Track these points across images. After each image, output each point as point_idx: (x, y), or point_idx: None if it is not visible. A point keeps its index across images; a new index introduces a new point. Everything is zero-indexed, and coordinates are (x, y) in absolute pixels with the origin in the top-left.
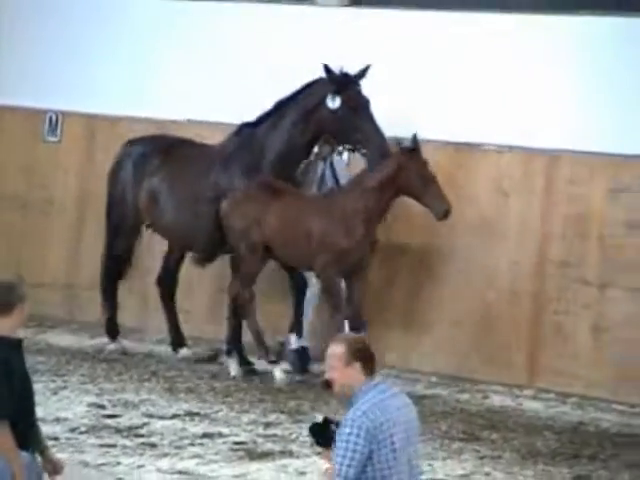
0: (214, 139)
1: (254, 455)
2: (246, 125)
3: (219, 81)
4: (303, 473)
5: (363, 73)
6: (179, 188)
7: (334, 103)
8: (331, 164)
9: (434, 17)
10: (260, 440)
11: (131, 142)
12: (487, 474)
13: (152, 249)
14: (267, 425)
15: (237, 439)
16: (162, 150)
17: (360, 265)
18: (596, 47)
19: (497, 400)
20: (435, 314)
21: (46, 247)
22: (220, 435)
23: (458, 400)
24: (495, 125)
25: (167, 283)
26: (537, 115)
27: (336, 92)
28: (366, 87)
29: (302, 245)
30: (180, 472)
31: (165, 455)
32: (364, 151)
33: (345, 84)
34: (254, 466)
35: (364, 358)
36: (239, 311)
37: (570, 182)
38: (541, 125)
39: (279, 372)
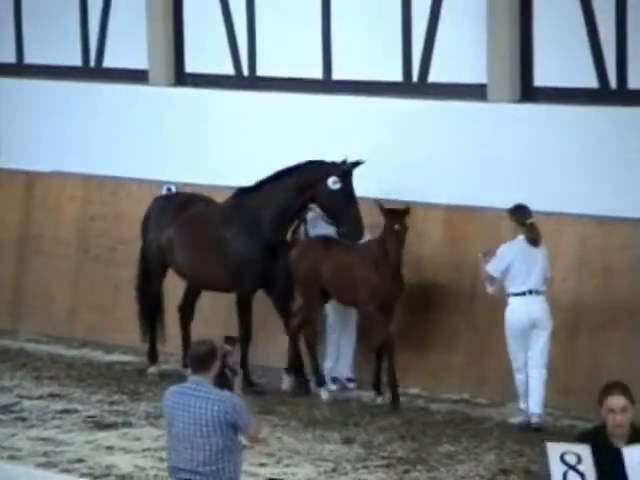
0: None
1: (101, 426)
2: (243, 190)
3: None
4: (139, 439)
5: (357, 165)
6: (189, 237)
7: (335, 185)
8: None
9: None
10: (106, 414)
11: (156, 199)
12: (278, 438)
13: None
14: (112, 403)
15: (88, 413)
16: (179, 205)
17: (391, 301)
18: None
19: (286, 383)
20: None
21: None
22: (76, 411)
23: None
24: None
25: (186, 311)
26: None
27: (341, 177)
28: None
29: (348, 286)
30: (44, 439)
31: (33, 426)
32: (342, 230)
33: (349, 173)
34: (102, 434)
35: (190, 359)
36: (305, 343)
37: None
38: None
39: (324, 392)
